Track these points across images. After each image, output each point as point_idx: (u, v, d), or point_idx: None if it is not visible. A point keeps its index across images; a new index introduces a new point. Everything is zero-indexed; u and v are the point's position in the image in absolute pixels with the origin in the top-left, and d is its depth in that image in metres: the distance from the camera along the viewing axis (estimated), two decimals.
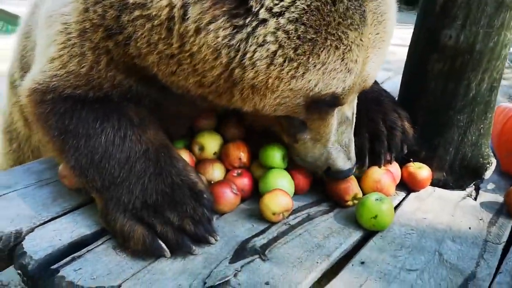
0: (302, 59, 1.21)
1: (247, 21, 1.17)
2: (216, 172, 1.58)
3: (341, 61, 1.24)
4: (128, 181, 1.36)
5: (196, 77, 1.30)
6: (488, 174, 1.72)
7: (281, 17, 1.16)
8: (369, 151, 1.63)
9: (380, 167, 1.61)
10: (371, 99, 1.70)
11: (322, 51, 1.21)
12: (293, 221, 1.47)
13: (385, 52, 1.37)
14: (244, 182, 1.56)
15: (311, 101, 1.32)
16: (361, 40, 1.25)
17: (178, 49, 1.26)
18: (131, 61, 1.39)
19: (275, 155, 1.58)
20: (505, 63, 1.62)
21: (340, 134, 1.47)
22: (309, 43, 1.19)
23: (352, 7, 1.20)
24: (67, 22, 1.42)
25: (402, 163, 1.70)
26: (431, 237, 1.44)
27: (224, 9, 1.16)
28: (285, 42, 1.18)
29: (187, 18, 1.20)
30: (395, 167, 1.67)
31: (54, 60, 1.46)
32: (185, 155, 1.57)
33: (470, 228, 1.50)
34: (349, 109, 1.46)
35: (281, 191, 1.46)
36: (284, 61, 1.20)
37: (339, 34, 1.21)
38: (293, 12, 1.16)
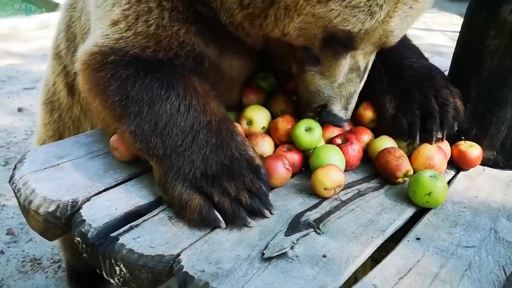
0: None
1: None
2: (266, 146, 1.58)
3: (366, 0, 1.26)
4: (191, 150, 1.37)
5: (245, 7, 1.37)
6: None
7: None
8: (421, 128, 1.60)
9: (431, 144, 1.59)
10: (422, 74, 1.67)
11: None
12: (344, 197, 1.46)
13: (415, 15, 1.39)
14: (294, 157, 1.56)
15: (329, 35, 1.35)
16: None
17: None
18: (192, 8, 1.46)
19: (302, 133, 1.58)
20: None
21: (348, 81, 1.49)
22: None
23: None
24: None
25: (452, 141, 1.67)
26: (485, 215, 1.42)
27: None
28: None
29: None
30: (445, 145, 1.65)
31: (119, 22, 1.49)
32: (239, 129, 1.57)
33: None
34: (363, 59, 1.47)
35: (334, 166, 1.45)
36: None
37: None
38: None
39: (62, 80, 2.13)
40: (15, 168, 1.55)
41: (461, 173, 1.66)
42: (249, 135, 1.62)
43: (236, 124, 1.61)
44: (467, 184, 1.59)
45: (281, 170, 1.46)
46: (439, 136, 1.60)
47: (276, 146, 1.62)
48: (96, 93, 1.53)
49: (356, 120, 1.75)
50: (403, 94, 1.65)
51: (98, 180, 1.48)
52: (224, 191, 1.32)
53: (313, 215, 1.36)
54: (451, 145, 1.67)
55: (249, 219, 1.29)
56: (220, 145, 1.39)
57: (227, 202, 1.30)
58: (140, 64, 1.49)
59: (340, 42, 1.38)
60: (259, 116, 1.64)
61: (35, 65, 6.12)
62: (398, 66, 1.70)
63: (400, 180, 1.53)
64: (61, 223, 1.36)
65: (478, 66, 1.62)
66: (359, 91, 1.55)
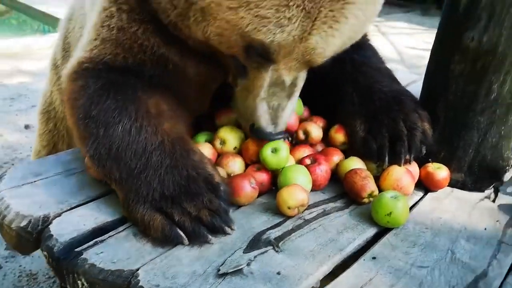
0: None
1: None
2: (236, 165, 1.63)
3: (275, 12, 1.29)
4: (146, 173, 1.41)
5: (176, 6, 1.44)
6: (507, 176, 1.72)
7: None
8: (389, 150, 1.64)
9: (400, 166, 1.63)
10: (392, 98, 1.72)
11: None
12: (309, 216, 1.50)
13: (341, 35, 1.39)
14: (263, 176, 1.60)
15: (247, 45, 1.40)
16: (304, 3, 1.28)
17: None
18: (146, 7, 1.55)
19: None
20: None
21: (271, 95, 1.51)
22: None
23: None
24: None
25: (421, 162, 1.71)
26: (445, 236, 1.45)
27: None
28: None
29: None
30: (413, 167, 1.68)
31: (92, 33, 1.62)
32: (207, 149, 1.62)
33: (485, 229, 1.50)
34: (288, 75, 1.49)
35: (298, 186, 1.49)
36: None
37: None
38: None
39: (57, 88, 2.23)
40: None
41: (429, 194, 1.69)
42: (221, 155, 1.68)
43: (206, 144, 1.67)
44: (433, 205, 1.62)
45: (247, 188, 1.51)
46: (407, 158, 1.64)
47: (248, 165, 1.67)
48: (68, 107, 1.60)
49: (328, 142, 1.80)
50: (373, 117, 1.69)
51: (71, 197, 1.53)
52: (184, 211, 1.36)
53: (274, 233, 1.40)
54: (420, 166, 1.70)
55: (209, 236, 1.33)
56: (174, 166, 1.42)
57: (187, 221, 1.34)
58: (108, 79, 1.56)
59: (258, 53, 1.42)
60: (231, 137, 1.69)
61: (44, 82, 6.25)
62: (368, 90, 1.75)
63: (366, 200, 1.56)
64: (32, 237, 1.41)
65: (445, 90, 1.66)
66: (290, 106, 1.58)
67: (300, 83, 1.57)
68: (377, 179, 1.63)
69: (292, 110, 1.61)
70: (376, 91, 1.74)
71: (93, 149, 1.48)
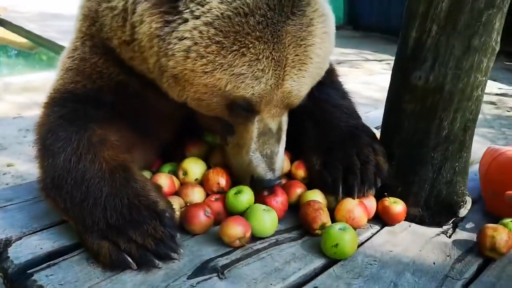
0: (211, 57, 1.41)
1: (174, 18, 1.42)
2: (196, 195, 1.69)
3: (248, 67, 1.42)
4: (87, 201, 1.45)
5: (144, 63, 1.56)
6: (463, 212, 1.75)
7: (198, 20, 1.39)
8: (344, 183, 1.70)
9: (354, 198, 1.68)
10: (347, 133, 1.78)
11: (229, 54, 1.40)
12: (260, 245, 1.55)
13: (310, 74, 1.55)
14: (220, 206, 1.66)
15: (230, 103, 1.50)
16: (272, 54, 1.42)
17: (130, 37, 1.54)
18: (106, 45, 1.67)
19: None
20: (479, 104, 1.66)
21: (262, 144, 1.60)
22: (217, 44, 1.40)
23: (264, 23, 1.40)
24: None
25: (378, 197, 1.76)
26: (392, 269, 1.48)
27: (161, 9, 1.43)
28: (198, 40, 1.40)
29: (135, 12, 1.48)
30: (370, 201, 1.73)
31: (61, 68, 1.78)
32: (165, 179, 1.69)
33: (434, 263, 1.53)
34: (273, 122, 1.59)
35: (239, 218, 1.54)
36: (197, 56, 1.41)
37: (247, 42, 1.40)
38: (208, 16, 1.39)
39: None
40: None
41: (386, 228, 1.73)
42: (183, 185, 1.75)
43: (165, 174, 1.74)
44: (387, 239, 1.65)
45: (202, 217, 1.56)
46: (361, 191, 1.69)
47: (209, 195, 1.73)
48: (34, 137, 1.68)
49: (291, 176, 1.86)
50: (328, 152, 1.76)
51: (35, 222, 1.61)
52: (130, 239, 1.40)
53: (222, 261, 1.45)
54: (377, 201, 1.75)
55: (156, 261, 1.38)
56: (115, 194, 1.46)
57: (133, 249, 1.39)
58: (70, 108, 1.66)
59: (242, 107, 1.52)
60: (193, 168, 1.77)
61: None
62: (326, 126, 1.82)
63: (318, 232, 1.61)
64: None
65: (399, 127, 1.72)
66: (282, 150, 1.66)
67: (285, 126, 1.66)
68: (333, 211, 1.68)
69: (282, 153, 1.68)
70: (333, 127, 1.81)
71: (41, 179, 1.55)
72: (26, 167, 4.97)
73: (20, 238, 1.51)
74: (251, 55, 1.42)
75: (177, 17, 1.41)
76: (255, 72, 1.43)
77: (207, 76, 1.44)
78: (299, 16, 1.47)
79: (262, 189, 1.67)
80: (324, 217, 1.61)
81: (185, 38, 1.41)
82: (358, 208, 1.65)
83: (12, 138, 5.53)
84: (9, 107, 6.61)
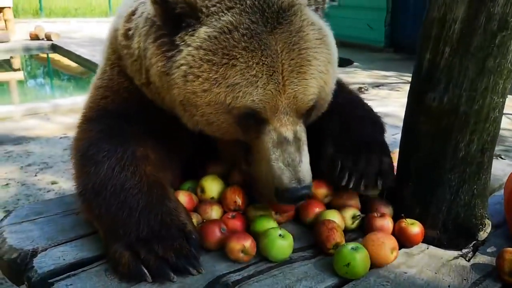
0: (205, 75, 1.53)
1: (173, 53, 1.58)
2: (213, 213, 1.75)
3: (241, 75, 1.51)
4: (123, 210, 1.53)
5: (163, 104, 1.74)
6: (482, 235, 1.72)
7: (190, 46, 1.54)
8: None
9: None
10: (364, 143, 1.82)
11: (220, 68, 1.51)
12: (273, 263, 1.57)
13: (314, 78, 1.60)
14: (236, 224, 1.70)
15: (237, 118, 1.58)
16: (261, 59, 1.51)
17: (146, 79, 1.73)
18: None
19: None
20: (497, 126, 1.65)
21: (281, 154, 1.58)
22: (208, 62, 1.52)
23: (248, 35, 1.51)
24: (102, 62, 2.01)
25: (396, 218, 1.75)
26: None
27: (163, 49, 1.61)
28: (192, 63, 1.53)
29: (146, 57, 1.67)
30: (387, 221, 1.73)
31: (92, 88, 1.96)
32: (184, 197, 1.75)
33: (449, 286, 1.51)
34: (287, 131, 1.59)
35: (244, 234, 1.59)
36: (193, 78, 1.54)
37: (234, 54, 1.50)
38: (197, 41, 1.54)
39: None
40: (1, 220, 1.81)
41: (402, 249, 1.71)
42: (201, 202, 1.80)
43: (185, 192, 1.81)
44: (402, 260, 1.64)
45: (217, 234, 1.61)
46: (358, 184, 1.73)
47: (226, 213, 1.78)
48: (72, 148, 1.81)
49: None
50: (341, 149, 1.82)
51: (61, 234, 1.70)
52: (151, 250, 1.47)
53: (234, 277, 1.48)
54: (394, 222, 1.74)
55: (172, 275, 1.43)
56: (150, 209, 1.54)
57: (152, 260, 1.45)
58: (107, 124, 1.77)
59: (250, 120, 1.58)
60: (211, 186, 1.83)
61: None
62: (344, 137, 1.85)
63: (332, 251, 1.61)
64: (21, 269, 1.57)
65: (415, 148, 1.72)
66: (305, 160, 1.62)
67: (303, 136, 1.65)
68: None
69: (307, 164, 1.63)
70: (349, 138, 1.84)
71: (82, 185, 1.64)
72: (69, 184, 5.19)
73: (45, 249, 1.60)
74: (241, 64, 1.51)
75: (175, 51, 1.57)
76: (248, 78, 1.51)
77: (207, 94, 1.54)
78: (286, 24, 1.56)
79: (289, 201, 1.63)
80: (337, 236, 1.62)
81: (181, 64, 1.55)
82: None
83: (57, 157, 5.79)
84: (57, 128, 6.93)
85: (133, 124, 1.80)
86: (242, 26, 1.52)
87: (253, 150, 1.66)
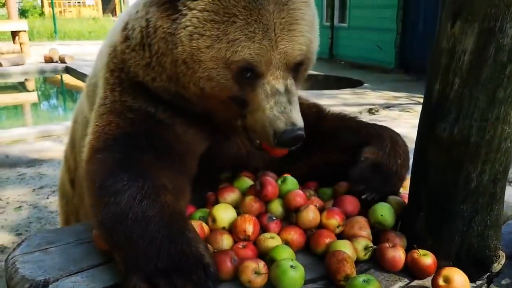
0: (208, 33, 1.66)
1: (177, 16, 1.71)
2: (224, 242, 1.74)
3: (240, 32, 1.65)
4: (143, 239, 1.54)
5: (163, 73, 1.80)
6: (496, 267, 1.69)
7: (194, 10, 1.68)
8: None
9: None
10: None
11: (222, 25, 1.65)
12: None
13: (302, 36, 1.75)
14: (247, 254, 1.70)
15: (235, 73, 1.70)
16: (258, 17, 1.66)
17: (149, 55, 1.80)
18: (134, 82, 1.92)
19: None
20: (510, 156, 1.63)
21: (275, 104, 1.72)
22: (211, 22, 1.66)
23: None
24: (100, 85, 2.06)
25: (408, 249, 1.74)
26: None
27: (167, 12, 1.73)
28: (196, 24, 1.67)
29: (149, 26, 1.77)
30: (399, 252, 1.71)
31: (95, 116, 1.98)
32: (195, 226, 1.75)
33: None
34: (279, 83, 1.74)
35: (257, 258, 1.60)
36: (198, 36, 1.67)
37: (234, 12, 1.65)
38: (201, 4, 1.67)
39: (67, 176, 2.66)
40: (14, 249, 1.82)
41: (415, 281, 1.69)
42: (212, 231, 1.80)
43: (197, 221, 1.81)
44: None
45: (228, 265, 1.60)
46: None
47: (236, 242, 1.78)
48: (86, 182, 1.82)
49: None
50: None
51: (72, 264, 1.70)
52: (171, 283, 1.46)
53: None
54: (406, 253, 1.73)
55: None
56: (171, 239, 1.55)
57: None
58: (116, 153, 1.81)
59: (246, 73, 1.70)
60: (222, 215, 1.82)
61: None
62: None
63: (343, 283, 1.60)
64: None
65: (426, 178, 1.71)
66: (296, 109, 1.76)
67: (293, 89, 1.80)
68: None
69: (298, 112, 1.78)
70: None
71: (103, 214, 1.65)
72: None
73: (56, 280, 1.60)
74: (240, 21, 1.65)
75: (179, 14, 1.70)
76: (247, 34, 1.65)
77: (209, 50, 1.67)
78: None
79: (287, 143, 1.74)
80: (348, 268, 1.60)
81: (187, 26, 1.68)
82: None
83: None
84: None
85: (143, 151, 1.84)
86: None
87: (248, 103, 1.78)
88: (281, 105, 1.73)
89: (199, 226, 1.78)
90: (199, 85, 1.75)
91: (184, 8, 1.70)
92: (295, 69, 1.80)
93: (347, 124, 2.27)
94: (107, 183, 1.70)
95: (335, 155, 2.17)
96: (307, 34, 1.78)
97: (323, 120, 2.29)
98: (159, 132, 1.92)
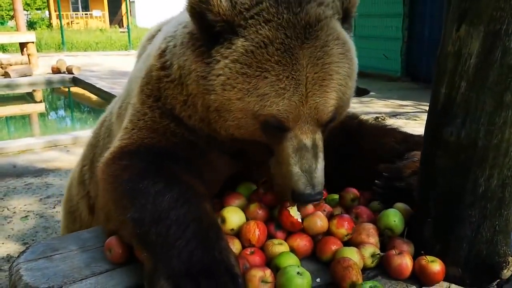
0: (239, 86, 1.65)
1: (211, 60, 1.70)
2: (233, 247, 1.71)
3: (271, 87, 1.62)
4: (179, 241, 1.54)
5: (196, 113, 1.83)
6: (506, 274, 1.66)
7: (227, 59, 1.66)
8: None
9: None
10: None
11: (253, 79, 1.63)
12: None
13: (335, 91, 1.70)
14: (255, 260, 1.68)
15: (263, 124, 1.68)
16: (291, 73, 1.62)
17: (186, 94, 1.83)
18: (173, 113, 1.95)
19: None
20: None
21: (299, 159, 1.69)
22: (243, 75, 1.64)
23: (282, 49, 1.61)
24: (133, 103, 2.09)
25: (416, 256, 1.71)
26: None
27: (202, 56, 1.73)
28: (229, 75, 1.66)
29: (185, 69, 1.79)
30: (406, 259, 1.68)
31: (128, 126, 1.99)
32: None
33: None
34: (307, 138, 1.71)
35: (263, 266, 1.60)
36: (230, 88, 1.66)
37: (267, 67, 1.61)
38: (234, 55, 1.65)
39: (85, 202, 2.63)
40: (18, 256, 1.81)
41: None
42: None
43: None
44: None
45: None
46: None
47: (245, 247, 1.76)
48: (109, 184, 1.82)
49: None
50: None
51: (77, 272, 1.69)
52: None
53: None
54: (414, 259, 1.70)
55: None
56: (205, 244, 1.54)
57: None
58: (151, 160, 1.84)
59: (274, 126, 1.67)
60: (232, 217, 1.81)
61: None
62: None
63: None
64: None
65: (433, 183, 1.69)
66: (320, 167, 1.73)
67: (320, 144, 1.77)
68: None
69: (322, 170, 1.76)
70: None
71: (139, 213, 1.64)
72: None
73: (60, 287, 1.59)
74: (272, 77, 1.61)
75: (212, 58, 1.69)
76: (278, 90, 1.62)
77: (240, 102, 1.66)
78: (313, 39, 1.65)
79: (303, 204, 1.77)
80: (353, 275, 1.58)
81: (219, 74, 1.67)
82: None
83: None
84: (76, 160, 7.00)
85: (178, 162, 1.88)
86: (277, 41, 1.62)
87: (275, 153, 1.77)
88: (306, 162, 1.70)
89: None
90: (230, 132, 1.77)
91: (218, 55, 1.69)
92: (326, 124, 1.76)
93: (392, 135, 2.24)
94: (141, 185, 1.72)
95: (378, 163, 2.10)
96: (340, 88, 1.72)
97: (365, 131, 2.28)
98: (197, 160, 1.96)
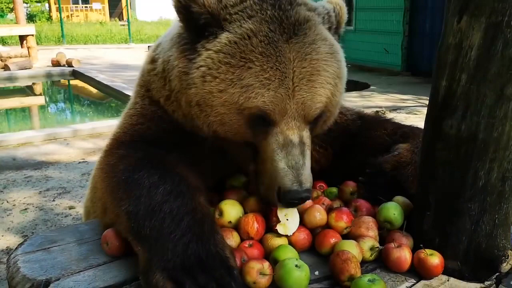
0: (222, 76, 1.63)
1: (194, 56, 1.70)
2: (230, 240, 1.71)
3: (255, 78, 1.60)
4: (174, 233, 1.52)
5: (179, 109, 1.83)
6: (505, 267, 1.65)
7: (210, 50, 1.66)
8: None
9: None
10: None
11: (236, 70, 1.61)
12: None
13: (323, 88, 1.69)
14: (254, 252, 1.68)
15: (248, 119, 1.66)
16: (275, 64, 1.61)
17: (169, 89, 1.84)
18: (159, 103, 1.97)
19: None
20: None
21: (286, 156, 1.66)
22: (227, 65, 1.62)
23: (266, 41, 1.62)
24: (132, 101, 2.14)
25: (415, 249, 1.70)
26: None
27: (185, 53, 1.74)
28: (211, 65, 1.64)
29: (169, 63, 1.81)
30: (405, 252, 1.68)
31: (124, 117, 2.06)
32: None
33: None
34: (294, 134, 1.67)
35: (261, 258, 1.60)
36: (211, 79, 1.64)
37: (251, 57, 1.61)
38: (217, 45, 1.65)
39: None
40: (16, 248, 1.81)
41: (422, 281, 1.66)
42: (221, 229, 1.77)
43: None
44: None
45: (238, 263, 1.57)
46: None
47: (243, 240, 1.75)
48: (105, 173, 1.82)
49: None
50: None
51: (74, 264, 1.69)
52: (195, 282, 1.43)
53: None
54: (413, 252, 1.69)
55: None
56: (200, 237, 1.53)
57: None
58: (146, 151, 1.84)
59: (259, 121, 1.65)
60: (230, 210, 1.80)
61: None
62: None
63: (347, 283, 1.57)
64: None
65: (433, 176, 1.67)
66: (308, 163, 1.70)
67: (308, 141, 1.74)
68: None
69: (309, 167, 1.72)
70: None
71: (133, 206, 1.62)
72: None
73: (58, 279, 1.59)
74: (256, 67, 1.61)
75: (196, 54, 1.70)
76: (262, 81, 1.60)
77: (222, 94, 1.64)
78: (301, 36, 1.67)
79: (290, 202, 1.67)
80: (352, 268, 1.57)
81: (200, 66, 1.66)
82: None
83: (75, 182, 5.84)
84: (76, 153, 7.02)
85: (172, 153, 1.87)
86: (261, 33, 1.63)
87: (260, 150, 1.73)
88: (293, 158, 1.66)
89: None
90: (213, 128, 1.74)
91: (202, 49, 1.69)
92: (313, 121, 1.75)
93: (384, 126, 2.25)
94: (136, 176, 1.69)
95: (371, 156, 2.11)
96: (329, 86, 1.71)
97: (361, 125, 2.30)
98: (188, 144, 1.94)
